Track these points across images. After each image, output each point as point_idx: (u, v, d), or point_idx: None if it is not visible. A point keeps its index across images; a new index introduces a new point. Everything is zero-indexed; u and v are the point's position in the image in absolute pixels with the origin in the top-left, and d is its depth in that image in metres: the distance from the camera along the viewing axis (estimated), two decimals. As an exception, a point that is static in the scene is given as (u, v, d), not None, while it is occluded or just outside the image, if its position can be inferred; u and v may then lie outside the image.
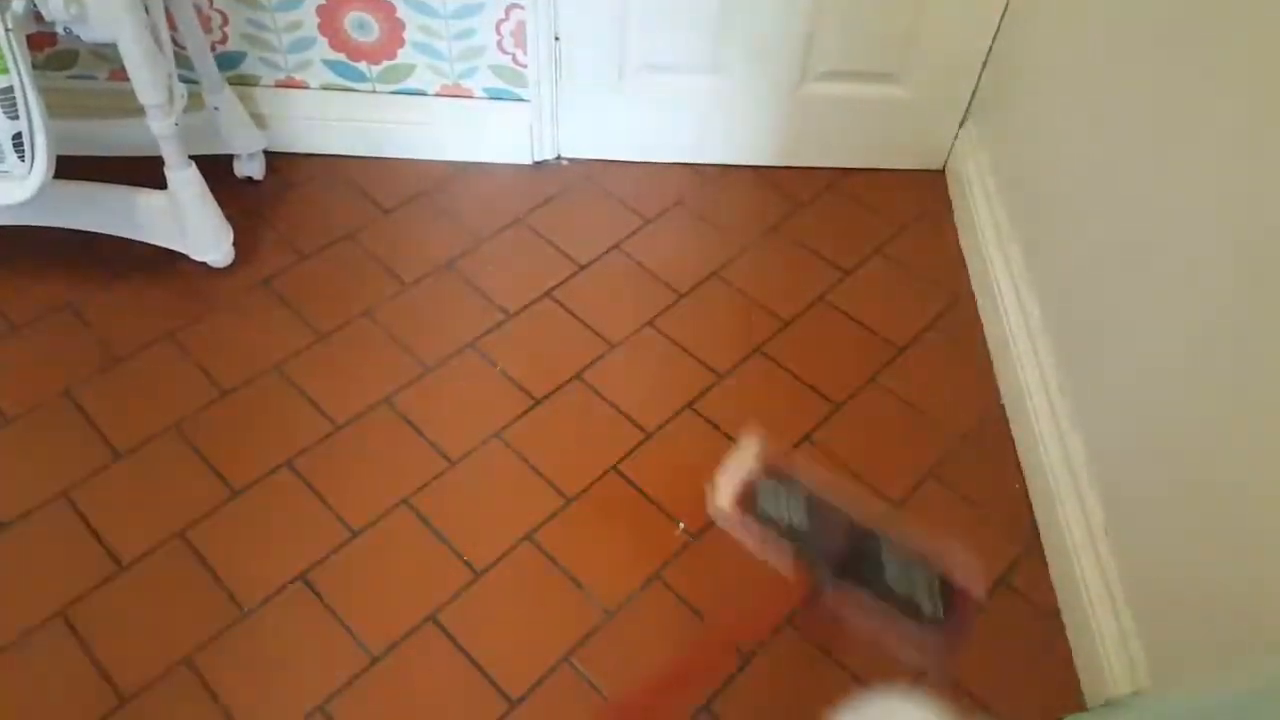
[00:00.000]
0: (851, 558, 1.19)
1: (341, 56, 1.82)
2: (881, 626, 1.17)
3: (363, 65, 1.83)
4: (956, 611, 1.14)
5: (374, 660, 1.29)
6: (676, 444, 1.54)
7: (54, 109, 1.40)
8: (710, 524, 1.44)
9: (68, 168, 1.51)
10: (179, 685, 1.26)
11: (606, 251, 1.81)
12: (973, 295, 1.76)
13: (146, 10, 1.42)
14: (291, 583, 1.36)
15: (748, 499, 1.22)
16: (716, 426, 1.56)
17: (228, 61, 1.83)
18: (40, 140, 1.38)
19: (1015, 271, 1.62)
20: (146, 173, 1.62)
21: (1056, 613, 1.37)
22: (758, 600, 1.26)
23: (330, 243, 1.79)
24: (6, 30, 1.28)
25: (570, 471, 1.49)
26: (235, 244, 1.73)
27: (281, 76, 1.85)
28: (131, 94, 1.45)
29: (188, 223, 1.65)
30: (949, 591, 1.15)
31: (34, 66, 1.34)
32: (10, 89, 1.33)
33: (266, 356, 1.61)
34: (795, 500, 1.24)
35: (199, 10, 1.70)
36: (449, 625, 1.33)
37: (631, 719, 1.07)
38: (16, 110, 1.35)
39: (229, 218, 1.70)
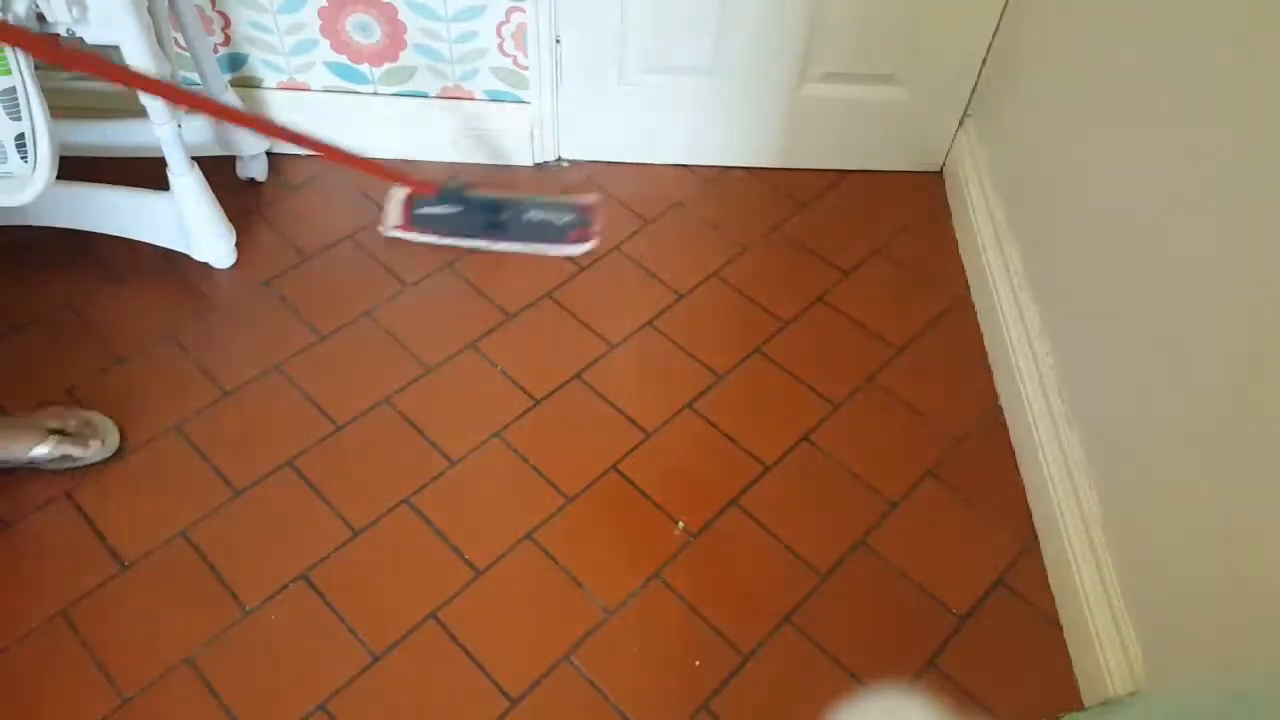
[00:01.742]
0: (500, 219, 1.73)
1: (343, 59, 1.82)
2: (531, 250, 1.75)
3: (364, 68, 1.83)
4: (581, 215, 1.75)
5: (375, 659, 1.30)
6: (676, 444, 1.54)
7: (56, 110, 1.41)
8: (709, 523, 1.45)
9: (70, 169, 1.52)
10: (181, 684, 1.27)
11: (607, 252, 1.81)
12: (971, 296, 1.77)
13: (149, 12, 1.43)
14: (293, 581, 1.36)
15: (409, 215, 1.74)
16: (716, 426, 1.56)
17: (230, 63, 1.83)
18: (43, 141, 1.39)
19: (1014, 272, 1.63)
20: (149, 174, 1.62)
21: (1054, 613, 1.37)
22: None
23: (332, 243, 1.80)
24: (10, 32, 1.29)
25: (570, 471, 1.50)
26: (237, 245, 1.73)
27: (284, 79, 1.86)
28: (134, 95, 1.46)
29: (190, 224, 1.66)
30: (579, 209, 1.76)
31: (36, 67, 1.35)
32: (13, 90, 1.33)
33: (268, 356, 1.62)
34: (447, 203, 1.72)
35: (201, 12, 1.71)
36: (450, 624, 1.33)
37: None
38: (19, 111, 1.35)
39: (231, 218, 1.71)
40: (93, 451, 1.43)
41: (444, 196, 1.71)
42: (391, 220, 1.75)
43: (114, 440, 1.47)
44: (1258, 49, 1.05)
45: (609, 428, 1.56)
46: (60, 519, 1.41)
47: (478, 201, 1.73)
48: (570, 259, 1.79)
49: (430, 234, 1.74)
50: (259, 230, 1.81)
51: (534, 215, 1.76)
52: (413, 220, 1.74)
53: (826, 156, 1.97)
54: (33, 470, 1.43)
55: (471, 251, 1.79)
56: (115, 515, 1.42)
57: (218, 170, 1.71)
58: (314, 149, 1.49)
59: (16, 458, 1.41)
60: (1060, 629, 1.36)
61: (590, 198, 1.82)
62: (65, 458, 1.42)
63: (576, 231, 1.75)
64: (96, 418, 1.47)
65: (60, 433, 1.42)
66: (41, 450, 1.40)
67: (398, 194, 1.76)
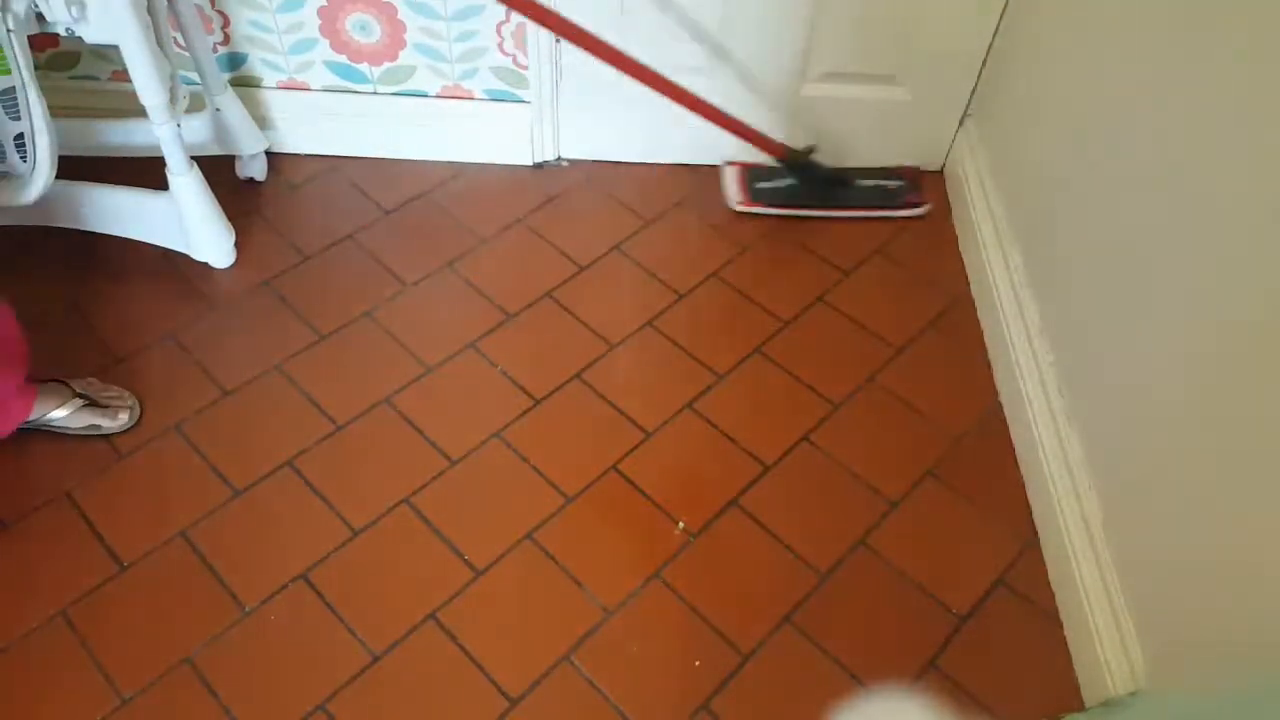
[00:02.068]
0: (834, 190, 1.88)
1: (343, 58, 1.82)
2: (866, 214, 1.88)
3: (364, 67, 1.83)
4: (910, 181, 1.92)
5: (375, 659, 1.30)
6: (676, 444, 1.54)
7: (56, 110, 1.41)
8: (709, 523, 1.45)
9: (70, 168, 1.52)
10: (180, 684, 1.27)
11: (607, 252, 1.81)
12: (971, 295, 1.77)
13: (149, 12, 1.43)
14: (293, 581, 1.36)
15: (748, 190, 1.88)
16: (716, 426, 1.56)
17: (230, 63, 1.83)
18: (42, 141, 1.39)
19: (1014, 271, 1.63)
20: (148, 173, 1.62)
21: (1055, 612, 1.37)
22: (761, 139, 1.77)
23: (331, 243, 1.79)
24: (8, 31, 1.29)
25: (570, 471, 1.50)
26: (236, 244, 1.73)
27: (283, 78, 1.86)
28: (133, 95, 1.46)
29: (189, 223, 1.66)
30: (904, 175, 1.92)
31: (36, 67, 1.35)
32: (12, 90, 1.33)
33: (267, 356, 1.62)
34: (781, 174, 1.87)
35: (200, 11, 1.71)
36: (449, 624, 1.33)
37: None
38: (19, 111, 1.35)
39: (230, 218, 1.71)
40: (120, 423, 1.49)
41: (781, 169, 1.83)
42: (734, 196, 1.87)
43: (136, 413, 1.52)
44: (1258, 48, 1.05)
45: (609, 428, 1.55)
46: (60, 519, 1.41)
47: (813, 173, 1.84)
48: (573, 260, 1.79)
49: (774, 207, 1.86)
50: (259, 230, 1.81)
51: (865, 182, 1.89)
52: (753, 195, 1.87)
53: (827, 156, 1.96)
54: (56, 443, 1.47)
55: (473, 252, 1.79)
56: (115, 515, 1.42)
57: (217, 170, 1.71)
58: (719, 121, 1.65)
59: (36, 418, 1.44)
60: (1061, 628, 1.36)
61: (909, 164, 1.95)
62: (92, 426, 1.47)
63: (910, 196, 1.89)
64: (127, 394, 1.53)
65: (91, 403, 1.47)
66: (61, 412, 1.44)
67: (730, 170, 1.91)
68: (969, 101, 1.87)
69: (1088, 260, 1.40)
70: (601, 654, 1.31)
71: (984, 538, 1.45)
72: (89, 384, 1.50)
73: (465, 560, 1.40)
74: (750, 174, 1.89)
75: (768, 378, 1.64)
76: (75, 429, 1.46)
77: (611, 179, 1.94)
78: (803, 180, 1.86)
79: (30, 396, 1.42)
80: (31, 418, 1.44)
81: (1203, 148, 1.14)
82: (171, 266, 1.73)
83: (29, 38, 1.33)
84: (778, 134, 1.92)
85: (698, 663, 1.31)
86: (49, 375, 1.48)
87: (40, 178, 1.41)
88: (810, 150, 1.83)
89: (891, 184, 1.91)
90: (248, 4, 1.73)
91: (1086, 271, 1.40)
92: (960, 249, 1.84)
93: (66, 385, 1.47)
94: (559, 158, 1.97)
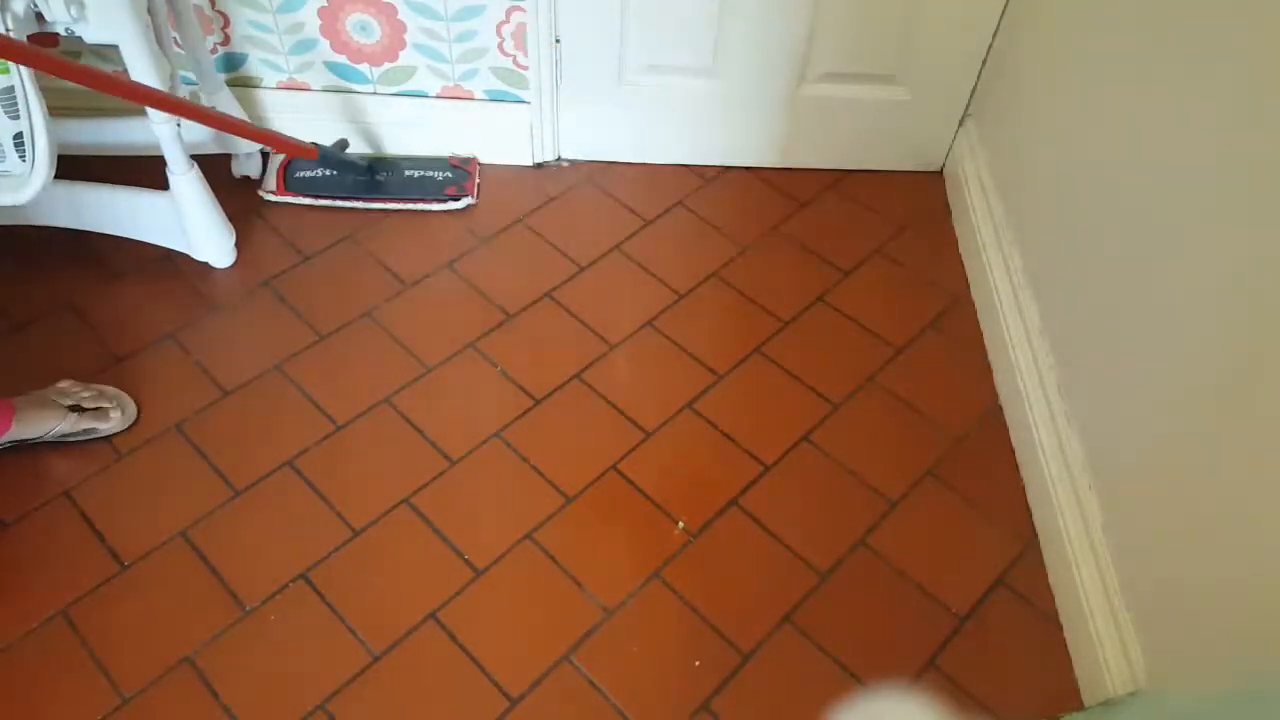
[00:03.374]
0: (377, 178, 1.83)
1: (343, 59, 1.82)
2: (410, 207, 1.83)
3: (364, 67, 1.83)
4: (459, 172, 1.84)
5: (375, 658, 1.30)
6: (676, 444, 1.54)
7: (55, 109, 1.40)
8: (709, 523, 1.45)
9: (69, 168, 1.52)
10: (180, 684, 1.27)
11: (606, 252, 1.81)
12: (971, 296, 1.77)
13: (149, 11, 1.43)
14: (293, 581, 1.36)
15: (284, 179, 1.81)
16: (716, 426, 1.56)
17: (230, 63, 1.83)
18: (41, 140, 1.39)
19: (1014, 272, 1.63)
20: (148, 173, 1.62)
21: (1055, 613, 1.37)
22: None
23: (331, 243, 1.79)
24: (8, 30, 1.29)
25: (570, 471, 1.50)
26: (236, 244, 1.73)
27: (284, 78, 1.86)
28: (133, 95, 1.46)
29: (189, 223, 1.66)
30: (456, 167, 1.85)
31: (36, 67, 1.35)
32: (11, 89, 1.33)
33: (267, 356, 1.61)
34: (324, 166, 1.81)
35: (200, 11, 1.71)
36: (449, 624, 1.33)
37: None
38: (18, 110, 1.35)
39: (230, 218, 1.71)
40: (114, 422, 1.48)
41: (321, 159, 1.76)
42: (269, 185, 1.82)
43: (132, 410, 1.51)
44: (1256, 50, 1.05)
45: (609, 428, 1.56)
46: (60, 519, 1.41)
47: (354, 162, 1.80)
48: (573, 260, 1.79)
49: (309, 196, 1.82)
50: (258, 230, 1.80)
51: (412, 173, 1.84)
52: (289, 184, 1.82)
53: (826, 156, 1.96)
54: (55, 445, 1.46)
55: (473, 252, 1.79)
56: (115, 515, 1.42)
57: (214, 169, 1.70)
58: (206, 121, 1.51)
59: (39, 435, 1.43)
60: (1060, 629, 1.36)
61: (465, 155, 1.88)
62: (88, 430, 1.46)
63: (454, 187, 1.83)
64: (110, 390, 1.51)
65: (78, 408, 1.45)
66: (63, 427, 1.44)
67: (276, 159, 1.85)
68: (969, 101, 1.87)
69: (1088, 261, 1.40)
70: (601, 654, 1.32)
71: (984, 538, 1.45)
72: (63, 390, 1.48)
73: (465, 560, 1.40)
74: (291, 164, 1.84)
75: (768, 378, 1.64)
76: (75, 436, 1.46)
77: (611, 179, 1.94)
78: (342, 170, 1.82)
79: (5, 415, 1.40)
80: (30, 436, 1.43)
81: (1204, 147, 1.14)
82: (171, 266, 1.73)
83: (29, 37, 1.33)
84: (776, 135, 1.93)
85: (698, 663, 1.31)
86: (18, 391, 1.46)
87: (39, 177, 1.41)
88: (343, 145, 1.81)
89: (439, 175, 1.86)
90: (248, 4, 1.73)
91: (1086, 272, 1.40)
92: (960, 249, 1.84)
93: (53, 400, 1.45)
94: (559, 158, 1.97)
